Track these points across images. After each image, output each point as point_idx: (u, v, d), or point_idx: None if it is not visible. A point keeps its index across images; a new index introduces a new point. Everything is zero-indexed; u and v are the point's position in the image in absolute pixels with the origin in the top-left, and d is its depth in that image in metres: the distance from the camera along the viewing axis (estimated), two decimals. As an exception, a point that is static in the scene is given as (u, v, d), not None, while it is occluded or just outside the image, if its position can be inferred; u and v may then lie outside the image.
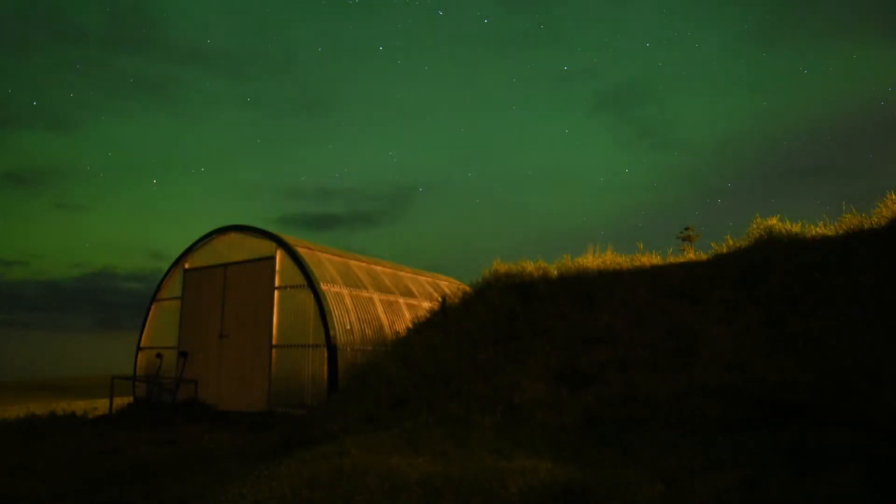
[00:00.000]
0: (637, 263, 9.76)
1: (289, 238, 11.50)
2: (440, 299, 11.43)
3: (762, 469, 4.49)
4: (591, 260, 10.20)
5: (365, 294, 11.79)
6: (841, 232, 8.17)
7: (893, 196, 8.02)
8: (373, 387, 8.44)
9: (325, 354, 9.96)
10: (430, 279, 16.12)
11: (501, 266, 11.08)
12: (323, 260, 11.57)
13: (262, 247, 11.42)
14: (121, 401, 12.07)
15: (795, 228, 8.61)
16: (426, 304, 13.17)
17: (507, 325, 8.88)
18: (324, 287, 10.54)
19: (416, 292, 14.09)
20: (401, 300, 12.98)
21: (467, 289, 11.36)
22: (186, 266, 12.64)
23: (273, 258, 11.12)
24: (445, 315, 10.25)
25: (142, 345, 12.99)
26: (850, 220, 8.29)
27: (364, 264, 13.27)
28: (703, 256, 9.54)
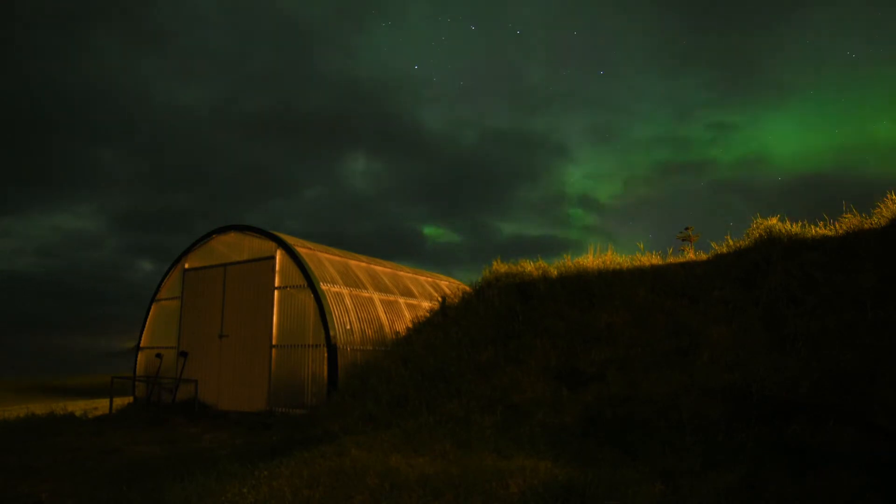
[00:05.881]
0: (637, 263, 9.76)
1: (289, 238, 11.50)
2: (440, 299, 11.42)
3: (762, 469, 4.50)
4: (591, 260, 10.19)
5: (365, 294, 11.79)
6: (841, 232, 8.16)
7: (893, 196, 8.02)
8: (373, 386, 8.43)
9: (325, 354, 9.96)
10: (430, 279, 16.11)
11: (501, 266, 11.07)
12: (323, 260, 11.57)
13: (261, 247, 11.42)
14: (121, 401, 12.08)
15: (795, 228, 8.61)
16: (426, 304, 13.17)
17: (507, 325, 8.87)
18: (324, 287, 10.54)
19: (416, 292, 14.08)
20: (401, 300, 12.98)
21: (467, 289, 11.36)
22: (186, 266, 12.64)
23: (273, 258, 11.11)
24: (445, 315, 10.25)
25: (142, 345, 12.98)
26: (850, 220, 8.29)
27: (364, 264, 13.27)
28: (703, 256, 9.53)
